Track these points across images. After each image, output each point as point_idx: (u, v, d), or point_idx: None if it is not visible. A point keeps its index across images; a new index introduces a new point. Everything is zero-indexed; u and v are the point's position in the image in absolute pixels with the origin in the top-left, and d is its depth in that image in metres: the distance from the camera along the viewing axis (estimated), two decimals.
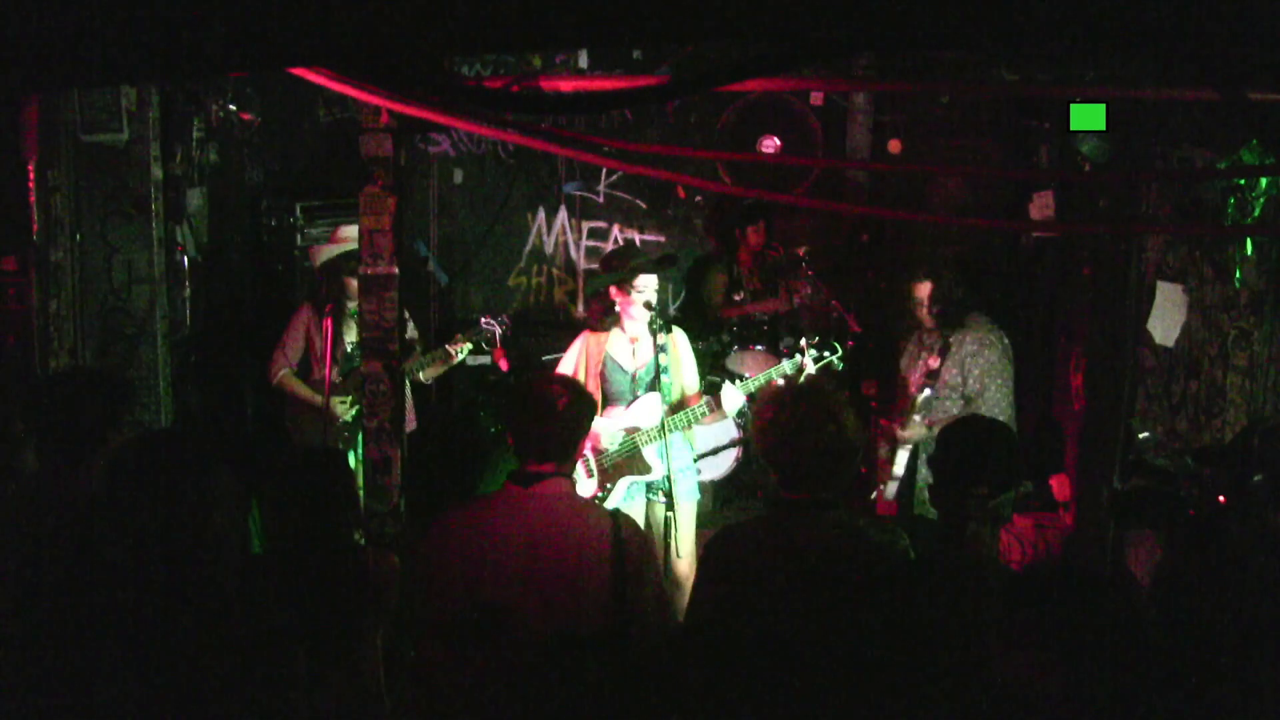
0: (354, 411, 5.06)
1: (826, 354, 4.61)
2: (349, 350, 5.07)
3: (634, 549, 2.78)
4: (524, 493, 2.85)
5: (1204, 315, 4.59)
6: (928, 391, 4.75)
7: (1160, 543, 4.39)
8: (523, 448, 2.91)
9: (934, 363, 4.73)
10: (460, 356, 5.13)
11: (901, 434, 4.80)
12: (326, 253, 5.16)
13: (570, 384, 3.04)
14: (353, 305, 5.02)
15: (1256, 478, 3.26)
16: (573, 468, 2.99)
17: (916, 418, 4.80)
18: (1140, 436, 4.78)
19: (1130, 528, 4.49)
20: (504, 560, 2.73)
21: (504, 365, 5.48)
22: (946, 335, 4.75)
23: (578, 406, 2.93)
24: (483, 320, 5.18)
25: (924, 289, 4.78)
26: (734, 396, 4.46)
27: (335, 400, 5.00)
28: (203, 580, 2.46)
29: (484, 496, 2.99)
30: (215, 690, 2.39)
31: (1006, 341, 4.80)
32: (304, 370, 5.19)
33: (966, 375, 4.69)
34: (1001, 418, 4.59)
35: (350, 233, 5.14)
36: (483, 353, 5.23)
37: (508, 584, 2.71)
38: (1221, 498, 3.50)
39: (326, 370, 4.91)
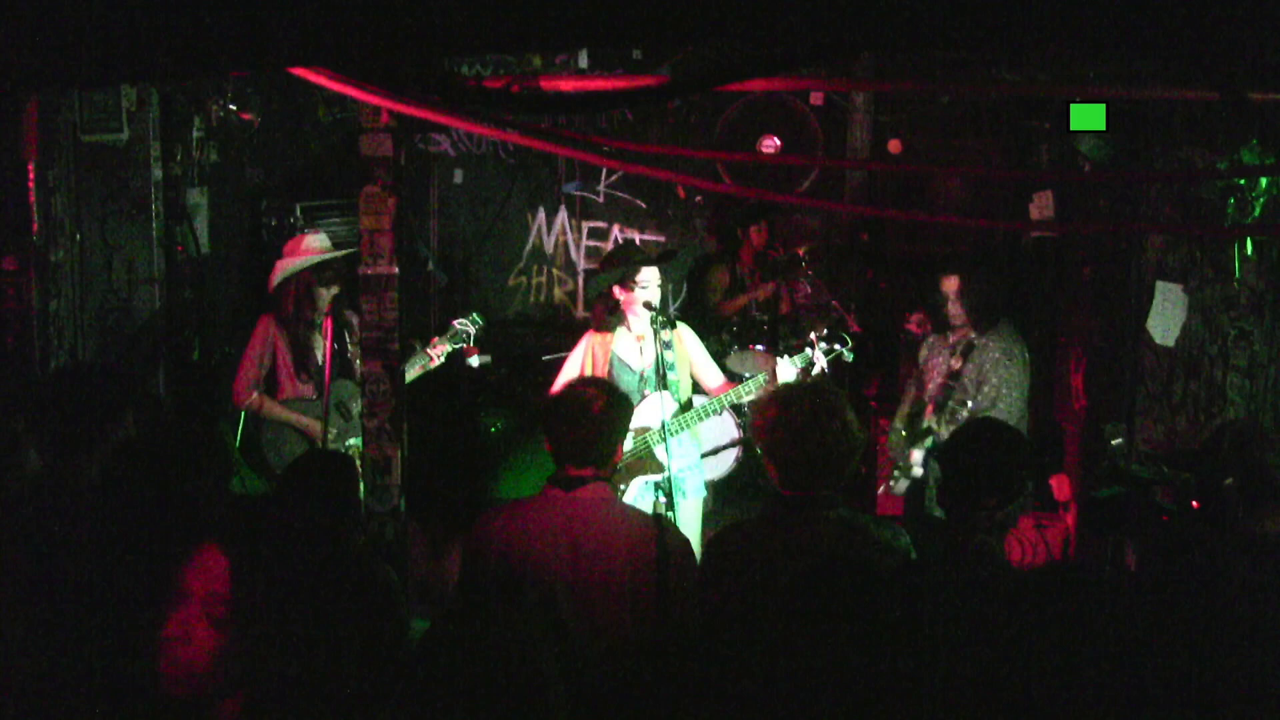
0: (333, 434, 4.94)
1: (836, 346, 4.55)
2: (319, 364, 4.84)
3: (679, 559, 2.76)
4: (566, 497, 2.83)
5: (1204, 315, 4.59)
6: (918, 464, 4.68)
7: (1135, 550, 4.38)
8: (561, 452, 2.89)
9: (956, 364, 4.62)
10: (440, 360, 4.96)
11: (895, 484, 4.77)
12: (290, 267, 4.85)
13: (606, 386, 3.03)
14: (319, 317, 4.83)
15: (1228, 481, 3.26)
16: (613, 471, 2.97)
17: (896, 471, 4.75)
18: (1113, 443, 4.75)
19: (1105, 534, 4.48)
20: (545, 564, 2.72)
21: (474, 362, 5.35)
22: (973, 337, 4.63)
23: (614, 408, 2.92)
24: (455, 321, 5.01)
25: (951, 284, 4.64)
26: (789, 369, 4.41)
27: (320, 422, 4.76)
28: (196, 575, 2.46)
29: (525, 500, 2.96)
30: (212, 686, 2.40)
31: (1028, 356, 4.72)
32: (269, 386, 4.88)
33: (983, 382, 4.56)
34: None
35: (314, 243, 4.98)
36: (458, 346, 5.09)
37: (550, 589, 2.69)
38: (1195, 502, 3.49)
39: (326, 377, 4.76)
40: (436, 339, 5.00)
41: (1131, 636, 2.07)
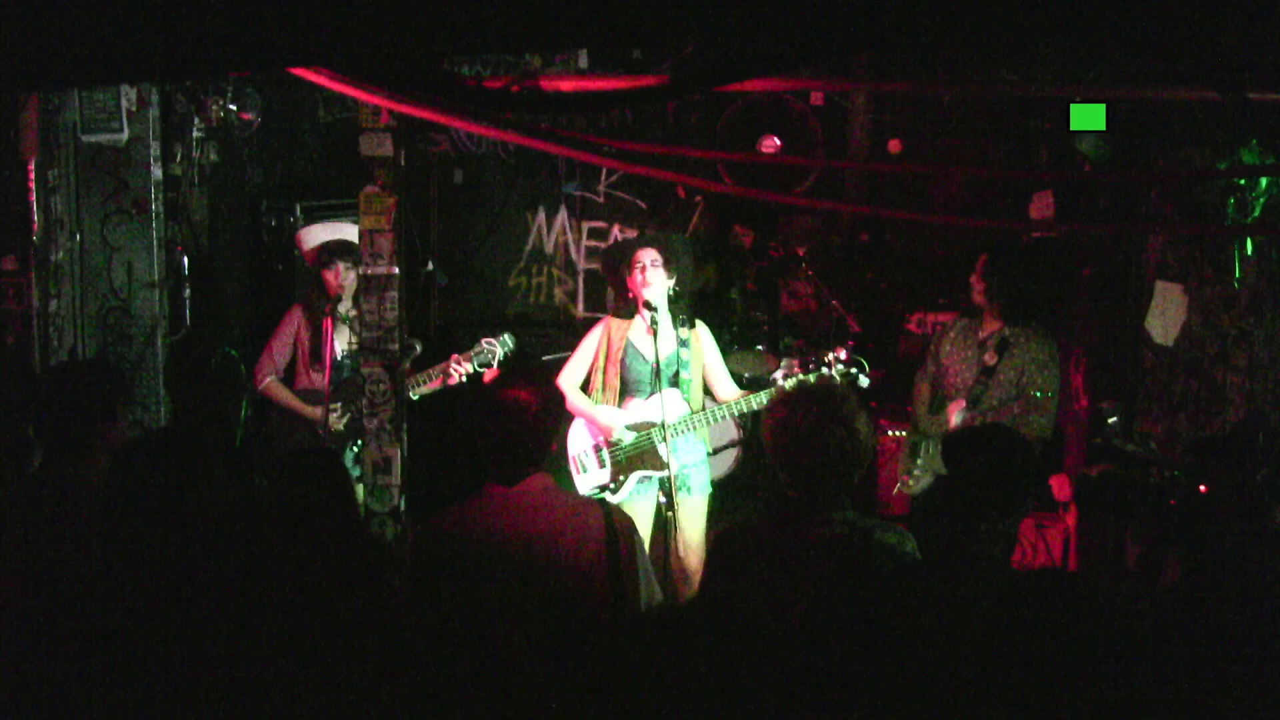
0: (346, 420, 4.86)
1: (853, 370, 4.46)
2: (338, 359, 4.81)
3: (624, 536, 2.80)
4: (508, 491, 2.81)
5: (1204, 315, 4.59)
6: (921, 476, 4.60)
7: (1130, 530, 4.31)
8: (496, 452, 2.86)
9: (990, 359, 4.46)
10: (461, 378, 4.78)
11: (906, 487, 4.69)
12: (314, 234, 4.86)
13: (537, 390, 2.96)
14: (341, 308, 4.82)
15: (1262, 473, 3.26)
16: (547, 460, 2.98)
17: (916, 470, 4.68)
18: (1109, 421, 4.72)
19: (1098, 514, 4.44)
20: (496, 563, 2.72)
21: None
22: (1005, 333, 4.47)
23: (546, 411, 2.90)
24: (484, 340, 4.85)
25: (981, 259, 4.52)
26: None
27: (328, 413, 4.78)
28: (200, 578, 2.46)
29: (466, 502, 2.93)
30: (211, 684, 2.40)
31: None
32: (289, 376, 4.93)
33: (1028, 383, 4.39)
34: (1048, 427, 4.42)
35: (343, 225, 4.94)
36: (482, 368, 4.95)
37: (506, 584, 2.70)
38: (1203, 487, 3.48)
39: (326, 374, 4.76)
40: (458, 356, 4.81)
41: (1144, 638, 2.06)
